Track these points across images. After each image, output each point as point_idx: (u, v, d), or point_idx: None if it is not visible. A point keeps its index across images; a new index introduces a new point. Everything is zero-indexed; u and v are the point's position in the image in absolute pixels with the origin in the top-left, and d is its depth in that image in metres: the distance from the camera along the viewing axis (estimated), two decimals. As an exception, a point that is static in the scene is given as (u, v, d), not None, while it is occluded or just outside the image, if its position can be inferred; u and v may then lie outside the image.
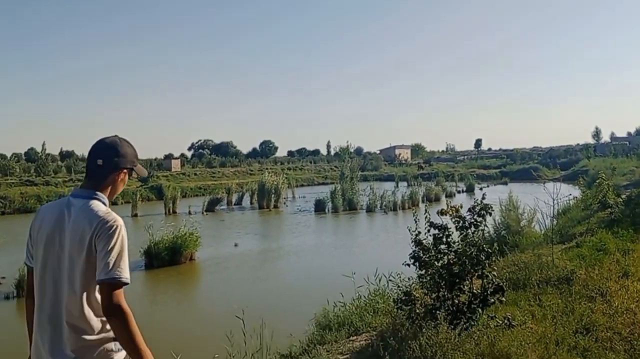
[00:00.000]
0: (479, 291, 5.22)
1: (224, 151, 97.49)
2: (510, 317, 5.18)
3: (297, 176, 59.94)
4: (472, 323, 5.07)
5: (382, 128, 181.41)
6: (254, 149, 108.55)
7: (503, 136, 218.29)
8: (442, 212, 5.34)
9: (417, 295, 5.50)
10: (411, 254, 5.41)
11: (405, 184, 49.03)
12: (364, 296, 7.95)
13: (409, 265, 5.50)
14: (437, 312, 5.16)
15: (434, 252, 5.33)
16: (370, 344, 5.34)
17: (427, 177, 55.05)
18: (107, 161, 2.56)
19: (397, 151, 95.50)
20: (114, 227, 2.41)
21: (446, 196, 39.58)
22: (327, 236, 24.39)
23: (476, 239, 5.18)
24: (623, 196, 15.09)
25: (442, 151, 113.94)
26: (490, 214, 5.31)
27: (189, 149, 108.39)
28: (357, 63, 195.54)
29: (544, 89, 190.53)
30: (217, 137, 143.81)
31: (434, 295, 5.34)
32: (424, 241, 5.38)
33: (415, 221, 5.63)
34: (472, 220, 5.14)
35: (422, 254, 5.29)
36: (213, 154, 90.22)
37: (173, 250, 17.21)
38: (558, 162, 69.23)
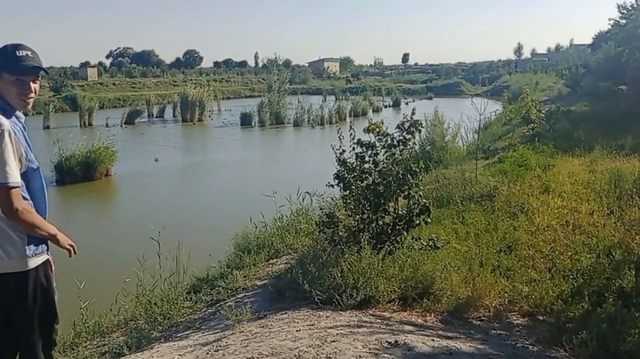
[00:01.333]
0: (404, 212, 4.94)
1: (145, 60, 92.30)
2: (435, 238, 4.97)
3: (223, 88, 57.85)
4: (397, 246, 4.82)
5: (311, 40, 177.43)
6: (178, 59, 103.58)
7: (429, 51, 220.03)
8: (368, 130, 4.91)
9: (340, 217, 5.17)
10: (335, 174, 5.00)
11: (333, 98, 48.50)
12: (286, 216, 7.58)
13: (332, 186, 5.11)
14: (361, 235, 4.86)
15: (358, 172, 4.95)
16: (289, 269, 5.01)
17: (355, 91, 54.59)
18: None
19: (325, 64, 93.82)
20: None
21: (373, 111, 39.71)
22: (252, 150, 23.79)
23: (403, 158, 4.83)
24: (543, 112, 15.29)
25: (371, 65, 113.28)
26: (420, 131, 4.94)
27: (107, 57, 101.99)
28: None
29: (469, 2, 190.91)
30: (138, 45, 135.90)
31: (357, 217, 5.02)
32: (348, 160, 4.96)
33: (340, 139, 5.18)
34: (401, 137, 4.75)
35: (346, 174, 4.89)
36: (133, 64, 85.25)
37: (86, 165, 16.16)
38: (481, 78, 70.69)
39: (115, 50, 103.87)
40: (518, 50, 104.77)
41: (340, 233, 5.11)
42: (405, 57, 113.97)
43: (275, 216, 7.63)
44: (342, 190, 5.07)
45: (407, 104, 47.70)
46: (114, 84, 58.97)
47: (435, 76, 76.84)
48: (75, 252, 2.93)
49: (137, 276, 6.53)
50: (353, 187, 4.89)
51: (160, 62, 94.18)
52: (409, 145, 4.82)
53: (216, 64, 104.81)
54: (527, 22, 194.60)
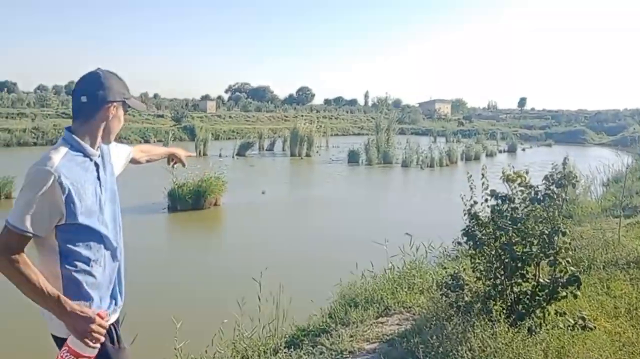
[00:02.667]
0: (547, 281, 4.11)
1: (261, 95, 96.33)
2: (585, 316, 4.08)
3: (332, 124, 58.47)
4: (538, 322, 3.99)
5: (422, 81, 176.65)
6: (291, 96, 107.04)
7: (548, 96, 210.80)
8: (507, 179, 4.18)
9: (467, 278, 4.43)
10: (464, 230, 4.31)
11: (443, 140, 47.23)
12: (397, 267, 6.91)
13: (459, 243, 4.40)
14: (492, 303, 4.09)
15: (492, 229, 4.21)
16: (404, 335, 4.34)
17: (467, 134, 53.00)
18: (91, 96, 2.27)
19: (437, 105, 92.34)
20: (28, 172, 2.12)
21: (487, 155, 37.93)
22: (359, 189, 23.33)
23: (549, 216, 4.03)
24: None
25: (484, 108, 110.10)
26: (574, 186, 4.12)
27: (226, 91, 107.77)
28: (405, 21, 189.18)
29: (594, 46, 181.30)
30: (255, 81, 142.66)
31: (488, 282, 4.25)
32: (479, 214, 4.24)
33: (471, 188, 4.50)
34: (548, 191, 3.98)
35: (477, 231, 4.17)
36: (249, 98, 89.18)
37: (197, 194, 16.48)
38: (605, 127, 65.91)
39: (234, 85, 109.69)
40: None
41: (466, 298, 4.36)
42: (522, 101, 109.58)
43: (386, 265, 6.99)
44: (470, 248, 4.34)
45: (524, 150, 45.29)
46: (230, 117, 61.69)
47: (554, 122, 72.87)
48: (94, 343, 2.10)
49: (235, 319, 6.16)
50: (485, 247, 4.15)
51: (274, 98, 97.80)
52: (558, 201, 4.01)
53: (327, 101, 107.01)
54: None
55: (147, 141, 42.06)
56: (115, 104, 2.33)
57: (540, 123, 72.99)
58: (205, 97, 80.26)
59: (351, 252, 10.77)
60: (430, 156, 30.89)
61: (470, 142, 39.27)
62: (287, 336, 5.83)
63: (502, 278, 4.19)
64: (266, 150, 37.61)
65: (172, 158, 3.30)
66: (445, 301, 4.37)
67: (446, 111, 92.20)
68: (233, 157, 32.57)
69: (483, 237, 4.08)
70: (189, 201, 16.34)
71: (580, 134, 60.39)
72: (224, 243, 13.49)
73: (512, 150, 43.50)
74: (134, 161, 2.97)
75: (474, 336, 3.59)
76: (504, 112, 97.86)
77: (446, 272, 4.80)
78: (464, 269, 4.69)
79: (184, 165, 3.36)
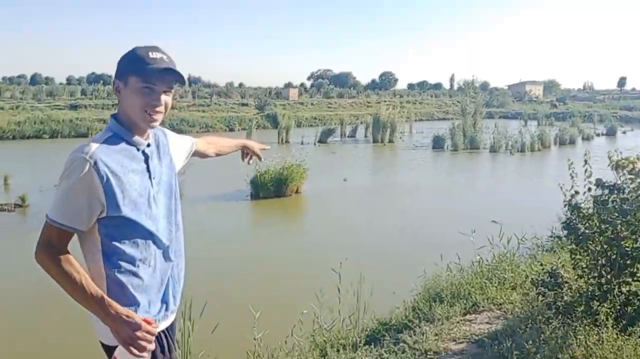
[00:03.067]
0: (663, 282, 3.60)
1: (343, 81, 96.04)
2: None
3: (416, 109, 57.20)
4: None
5: (511, 62, 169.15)
6: (373, 81, 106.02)
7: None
8: (617, 166, 3.68)
9: (566, 276, 3.98)
10: (564, 222, 3.86)
11: (535, 123, 44.86)
12: (486, 260, 6.46)
13: (559, 238, 3.95)
14: (597, 304, 3.65)
15: (597, 222, 3.74)
16: (495, 336, 3.97)
17: (560, 116, 50.03)
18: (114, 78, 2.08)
19: (527, 87, 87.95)
20: (65, 161, 1.95)
21: (583, 139, 35.65)
22: (443, 176, 22.62)
23: (668, 209, 3.52)
24: None
25: (579, 89, 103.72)
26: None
27: (308, 78, 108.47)
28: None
29: None
30: (337, 67, 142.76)
31: (592, 280, 3.80)
32: (582, 205, 3.77)
33: (572, 176, 4.03)
34: (666, 181, 3.46)
35: (579, 225, 3.71)
36: (331, 85, 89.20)
37: (279, 181, 16.58)
38: None
39: (316, 72, 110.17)
40: None
41: (566, 297, 3.92)
42: (622, 81, 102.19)
43: (473, 258, 6.57)
44: (571, 243, 3.89)
45: (624, 133, 42.17)
46: (312, 104, 61.97)
47: (658, 103, 67.44)
48: (140, 352, 1.89)
49: (314, 311, 6.01)
50: (590, 242, 3.69)
51: (356, 84, 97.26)
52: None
53: (410, 85, 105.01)
54: None
55: (231, 129, 43.14)
56: (120, 81, 2.03)
57: (642, 104, 67.75)
58: (288, 85, 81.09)
59: (435, 243, 10.35)
60: (521, 140, 29.39)
61: (565, 126, 37.00)
62: (367, 330, 5.61)
63: (609, 277, 3.72)
64: (348, 136, 37.39)
65: (246, 152, 3.02)
66: (541, 300, 3.96)
67: (537, 93, 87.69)
68: (315, 144, 32.64)
69: (586, 231, 3.63)
70: (270, 188, 16.49)
71: (689, 115, 55.49)
72: (304, 232, 13.43)
73: (611, 133, 40.60)
74: (200, 154, 2.73)
75: (577, 342, 3.19)
76: (601, 93, 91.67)
77: (542, 267, 4.35)
78: (563, 265, 4.22)
79: (260, 159, 3.05)
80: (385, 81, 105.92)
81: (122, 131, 2.04)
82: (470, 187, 19.48)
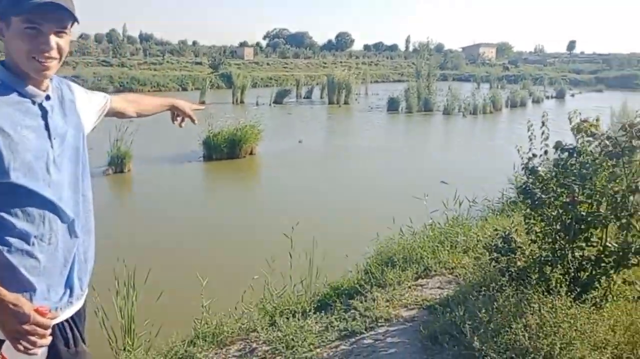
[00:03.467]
0: (616, 246, 3.54)
1: (299, 41, 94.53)
2: (661, 287, 3.52)
3: (372, 71, 56.95)
4: (602, 291, 3.47)
5: (465, 24, 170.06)
6: (330, 41, 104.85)
7: (598, 39, 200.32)
8: (578, 129, 3.55)
9: (520, 241, 3.89)
10: (520, 186, 3.74)
11: (487, 86, 45.41)
12: (439, 224, 6.38)
13: (514, 203, 3.84)
14: (550, 270, 3.58)
15: (554, 186, 3.63)
16: (446, 302, 3.88)
17: (512, 79, 50.79)
18: None
19: (480, 50, 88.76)
20: None
21: (533, 102, 36.34)
22: (398, 138, 22.65)
23: (626, 172, 3.42)
24: None
25: (531, 52, 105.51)
26: (661, 137, 3.46)
27: (264, 37, 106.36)
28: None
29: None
30: (294, 26, 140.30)
31: (546, 246, 3.72)
32: (539, 169, 3.65)
33: (530, 138, 3.90)
34: (627, 144, 3.35)
35: (536, 189, 3.59)
36: (288, 45, 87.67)
37: (232, 143, 16.15)
38: (661, 70, 62.30)
39: (272, 31, 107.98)
40: None
41: (519, 263, 3.85)
42: (571, 45, 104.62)
43: (426, 221, 6.48)
44: (526, 208, 3.78)
45: (573, 96, 43.21)
46: (267, 64, 60.82)
47: (605, 67, 69.24)
48: (29, 350, 1.58)
49: (264, 277, 5.83)
50: (546, 207, 3.58)
51: (312, 44, 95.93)
52: (638, 157, 3.39)
53: (366, 47, 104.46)
54: None
55: (184, 89, 41.89)
56: (4, 21, 1.69)
57: (590, 67, 69.41)
58: (243, 44, 79.20)
59: (389, 206, 10.28)
60: (473, 102, 29.68)
61: (516, 88, 37.53)
62: (319, 295, 5.46)
63: (563, 242, 3.64)
64: (304, 98, 36.93)
65: (176, 114, 2.67)
66: (494, 266, 3.87)
67: (491, 56, 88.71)
68: (270, 105, 32.09)
69: (543, 196, 3.52)
70: (224, 149, 16.06)
71: (634, 78, 57.21)
72: (257, 194, 13.15)
73: (560, 96, 41.53)
74: (116, 113, 2.36)
75: (531, 311, 3.10)
76: (551, 56, 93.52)
77: (495, 232, 4.25)
78: (516, 230, 4.14)
79: (193, 121, 2.68)
80: (342, 42, 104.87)
81: (12, 79, 1.69)
82: (424, 150, 19.57)
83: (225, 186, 14.35)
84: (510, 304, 3.21)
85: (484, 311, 3.20)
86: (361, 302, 4.48)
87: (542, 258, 3.71)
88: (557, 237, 3.66)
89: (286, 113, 29.43)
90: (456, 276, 4.82)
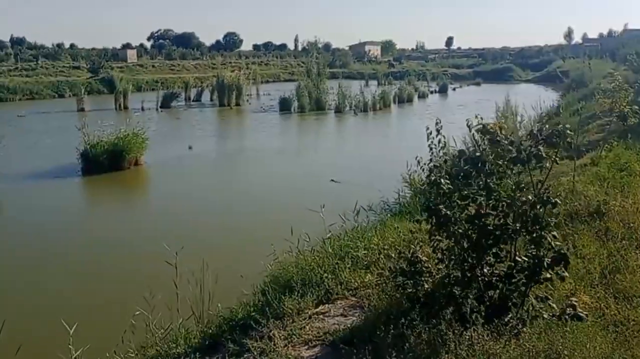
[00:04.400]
0: (527, 261, 3.26)
1: (186, 42, 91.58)
2: (575, 303, 3.27)
3: (262, 71, 56.25)
4: (515, 312, 3.17)
5: (351, 24, 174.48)
6: (218, 42, 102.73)
7: (473, 35, 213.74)
8: (483, 131, 3.21)
9: (424, 261, 3.51)
10: (424, 204, 3.35)
11: (375, 82, 46.42)
12: (338, 236, 5.95)
13: (418, 221, 3.46)
14: (460, 291, 3.23)
15: (457, 201, 3.28)
16: (351, 333, 3.42)
17: (398, 76, 52.30)
18: None
19: (367, 48, 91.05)
20: None
21: (419, 97, 37.53)
22: (292, 139, 22.29)
23: (534, 182, 3.14)
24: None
25: (413, 49, 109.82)
26: (569, 144, 3.18)
27: (148, 39, 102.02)
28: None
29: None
30: (179, 27, 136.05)
31: (454, 265, 3.37)
32: (442, 182, 3.27)
33: (431, 147, 3.54)
34: (535, 150, 3.06)
35: (440, 206, 3.22)
36: (174, 46, 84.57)
37: (113, 154, 14.84)
38: (530, 63, 67.13)
39: (156, 32, 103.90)
40: (568, 35, 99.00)
41: (426, 285, 3.47)
42: (449, 41, 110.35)
43: (324, 234, 6.03)
44: (432, 227, 3.40)
45: (454, 89, 45.26)
46: (153, 66, 58.13)
47: (481, 61, 73.60)
48: None
49: (144, 315, 5.09)
50: (454, 225, 3.22)
51: (200, 45, 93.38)
52: (547, 163, 3.11)
53: (256, 47, 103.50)
54: (578, 4, 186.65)
55: (61, 96, 38.84)
56: None
57: (468, 62, 73.45)
58: (126, 46, 75.27)
59: (285, 214, 9.80)
60: (363, 100, 30.02)
61: (402, 84, 38.58)
62: (210, 330, 4.82)
63: (471, 260, 3.31)
64: (193, 101, 35.52)
65: None
66: (401, 293, 3.47)
67: (376, 53, 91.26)
68: (157, 109, 30.51)
69: (448, 212, 3.15)
70: (104, 162, 14.69)
71: (508, 71, 61.31)
72: (140, 214, 11.83)
73: (443, 90, 43.35)
74: None
75: (446, 349, 2.71)
76: (432, 52, 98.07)
77: (397, 253, 3.86)
78: (420, 247, 3.78)
79: None
80: (230, 42, 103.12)
81: None
82: (318, 150, 19.30)
83: (104, 205, 12.93)
84: (423, 343, 2.79)
85: (394, 354, 2.76)
86: (256, 340, 3.92)
87: (451, 279, 3.35)
88: (465, 255, 3.32)
89: (174, 118, 28.08)
90: (360, 298, 4.40)
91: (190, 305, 5.58)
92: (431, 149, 3.60)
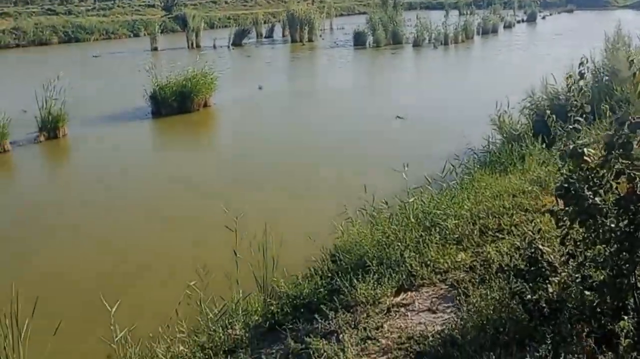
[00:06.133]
0: None
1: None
2: None
3: (335, 3, 54.05)
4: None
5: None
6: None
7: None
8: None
9: (551, 260, 2.56)
10: (559, 184, 2.34)
11: (456, 12, 43.38)
12: (422, 201, 4.99)
13: (552, 213, 2.46)
14: (605, 302, 2.28)
15: (605, 175, 2.27)
16: (443, 342, 2.58)
17: (481, 5, 48.63)
18: None
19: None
20: None
21: (505, 27, 34.70)
22: (367, 77, 21.02)
23: None
24: None
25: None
26: None
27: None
28: None
29: None
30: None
31: (596, 271, 2.39)
32: (589, 154, 2.25)
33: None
34: None
35: (584, 188, 2.22)
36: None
37: (182, 95, 14.33)
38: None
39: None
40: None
41: (551, 289, 2.53)
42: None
43: (405, 195, 5.10)
44: (563, 209, 2.42)
45: (544, 18, 41.59)
46: (225, 2, 57.14)
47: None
48: None
49: (199, 291, 4.46)
50: (604, 218, 2.22)
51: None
52: None
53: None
54: None
55: (136, 35, 38.94)
56: None
57: (559, -13, 67.30)
58: (199, -18, 74.61)
59: (360, 166, 8.95)
60: (444, 32, 27.91)
61: (486, 14, 35.69)
62: (270, 309, 4.14)
63: (620, 261, 2.32)
64: (265, 37, 34.53)
65: None
66: (518, 303, 2.55)
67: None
68: (229, 47, 29.86)
69: (597, 200, 2.16)
70: (173, 104, 14.25)
71: (604, -5, 55.67)
72: (205, 162, 10.83)
73: (531, 19, 39.88)
74: None
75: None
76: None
77: (492, 203, 2.88)
78: (539, 230, 2.81)
79: None
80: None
81: None
82: (393, 87, 18.00)
83: (170, 147, 12.45)
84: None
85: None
86: (322, 338, 3.15)
87: (593, 299, 2.38)
88: (615, 256, 2.32)
89: (245, 56, 27.34)
90: (451, 285, 3.52)
91: (252, 269, 4.94)
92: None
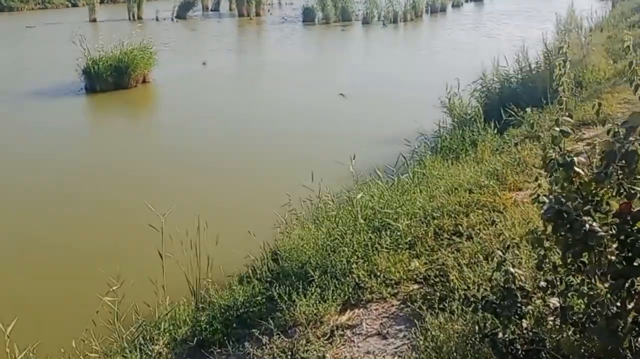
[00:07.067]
0: None
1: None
2: None
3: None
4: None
5: None
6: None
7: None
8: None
9: (522, 283, 2.12)
10: (548, 211, 1.83)
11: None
12: (371, 195, 4.49)
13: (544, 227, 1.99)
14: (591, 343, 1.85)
15: (594, 190, 1.81)
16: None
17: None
18: None
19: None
20: None
21: (453, 6, 34.57)
22: (315, 53, 20.40)
23: None
24: None
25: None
26: None
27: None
28: None
29: None
30: None
31: (579, 295, 1.96)
32: (576, 160, 1.79)
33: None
34: None
35: (577, 210, 1.77)
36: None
37: (118, 70, 13.37)
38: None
39: None
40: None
41: (525, 323, 2.09)
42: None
43: (354, 188, 4.61)
44: (552, 234, 1.97)
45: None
46: (169, -28, 54.93)
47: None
48: None
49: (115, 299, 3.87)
50: (602, 245, 1.78)
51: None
52: None
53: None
54: None
55: (74, 5, 36.75)
56: None
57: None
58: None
59: (306, 149, 8.43)
60: (393, 10, 27.49)
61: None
62: (200, 320, 3.59)
63: (609, 294, 1.89)
64: (211, 10, 33.25)
65: None
66: (485, 340, 2.10)
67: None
68: (173, 20, 28.53)
69: (595, 226, 1.70)
70: (108, 79, 13.31)
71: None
72: (134, 144, 10.00)
73: (478, -1, 39.87)
74: None
75: None
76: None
77: (447, 199, 2.44)
78: (508, 246, 2.37)
79: None
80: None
81: None
82: (341, 66, 17.41)
83: (103, 124, 11.59)
84: None
85: None
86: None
87: (574, 319, 1.95)
88: (614, 293, 1.88)
89: (190, 29, 26.16)
90: (404, 301, 3.06)
91: (184, 272, 4.37)
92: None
